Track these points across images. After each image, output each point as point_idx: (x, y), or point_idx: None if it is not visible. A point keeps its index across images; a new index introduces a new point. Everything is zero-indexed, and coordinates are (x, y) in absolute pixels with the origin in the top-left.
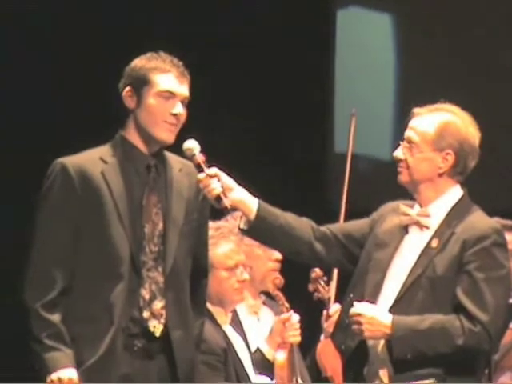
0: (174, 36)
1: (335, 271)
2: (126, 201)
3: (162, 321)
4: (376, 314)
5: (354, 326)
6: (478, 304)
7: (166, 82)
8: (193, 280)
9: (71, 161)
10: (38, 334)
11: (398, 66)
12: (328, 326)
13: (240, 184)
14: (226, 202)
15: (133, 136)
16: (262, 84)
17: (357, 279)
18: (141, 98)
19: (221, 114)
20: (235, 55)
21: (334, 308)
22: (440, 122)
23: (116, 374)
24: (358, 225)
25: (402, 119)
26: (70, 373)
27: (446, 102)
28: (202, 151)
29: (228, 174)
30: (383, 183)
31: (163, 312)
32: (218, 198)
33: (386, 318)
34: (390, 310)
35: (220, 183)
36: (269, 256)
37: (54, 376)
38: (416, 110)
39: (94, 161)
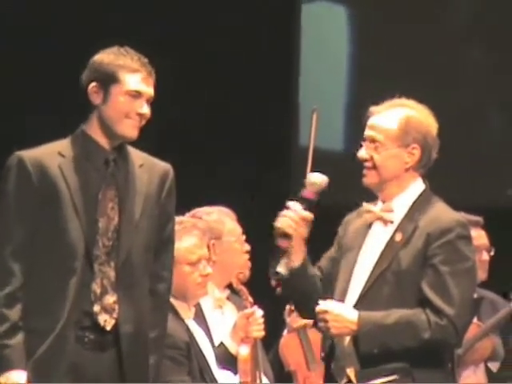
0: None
1: None
2: (83, 195)
3: (114, 315)
4: (342, 311)
5: (321, 324)
6: (444, 297)
7: (135, 82)
8: (154, 277)
9: (28, 154)
10: None
11: (353, 59)
12: (291, 320)
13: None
14: (287, 244)
15: (94, 131)
16: (227, 78)
17: (327, 287)
18: (108, 94)
19: (193, 110)
20: (201, 52)
21: None
22: (401, 118)
23: (65, 363)
24: (327, 257)
25: (353, 113)
26: (18, 377)
27: (401, 96)
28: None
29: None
30: (338, 176)
31: (115, 306)
32: (289, 236)
33: (352, 315)
34: (356, 306)
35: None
36: (243, 249)
37: (2, 378)
38: (373, 108)
39: (52, 155)
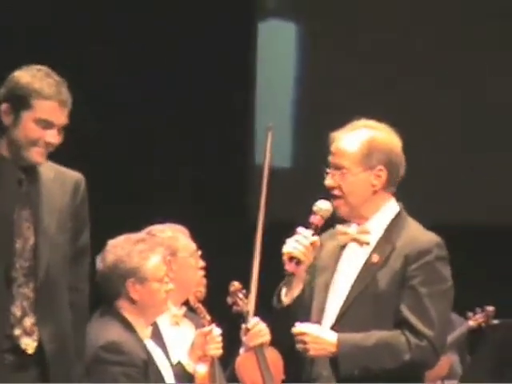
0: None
1: (254, 284)
2: None
3: (35, 337)
4: (320, 333)
5: (299, 345)
6: (423, 319)
7: (47, 111)
8: (71, 290)
9: None
10: None
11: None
12: (247, 339)
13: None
14: (296, 269)
15: (4, 149)
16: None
17: (302, 311)
18: (18, 118)
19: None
20: (159, 65)
21: (253, 321)
22: (363, 140)
23: None
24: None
25: (300, 129)
26: None
27: (360, 117)
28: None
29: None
30: (288, 191)
31: (34, 329)
32: (298, 262)
33: (331, 336)
34: (333, 328)
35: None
36: (198, 265)
37: None
38: (334, 134)
39: None
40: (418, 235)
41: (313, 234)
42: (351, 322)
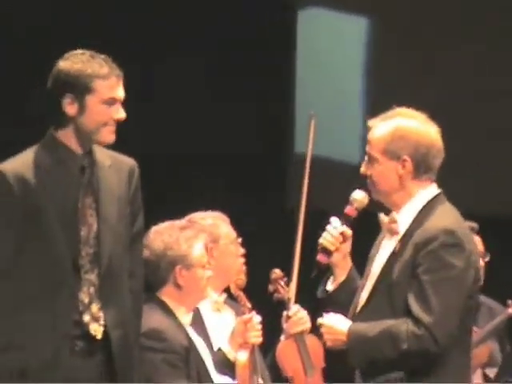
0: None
1: (295, 272)
2: (63, 206)
3: (102, 322)
4: (334, 323)
5: (323, 337)
6: (423, 306)
7: (109, 89)
8: (129, 274)
9: (8, 168)
10: None
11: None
12: (288, 326)
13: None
14: (326, 259)
15: (67, 138)
16: (223, 84)
17: (350, 299)
18: (83, 105)
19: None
20: (196, 55)
21: (294, 309)
22: (389, 130)
23: (59, 374)
24: None
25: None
26: None
27: (400, 106)
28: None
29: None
30: (347, 186)
31: (100, 314)
32: (329, 252)
33: (344, 326)
34: (358, 317)
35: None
36: (238, 252)
37: None
38: (370, 122)
39: (29, 166)
40: (430, 223)
41: (344, 224)
42: (370, 312)
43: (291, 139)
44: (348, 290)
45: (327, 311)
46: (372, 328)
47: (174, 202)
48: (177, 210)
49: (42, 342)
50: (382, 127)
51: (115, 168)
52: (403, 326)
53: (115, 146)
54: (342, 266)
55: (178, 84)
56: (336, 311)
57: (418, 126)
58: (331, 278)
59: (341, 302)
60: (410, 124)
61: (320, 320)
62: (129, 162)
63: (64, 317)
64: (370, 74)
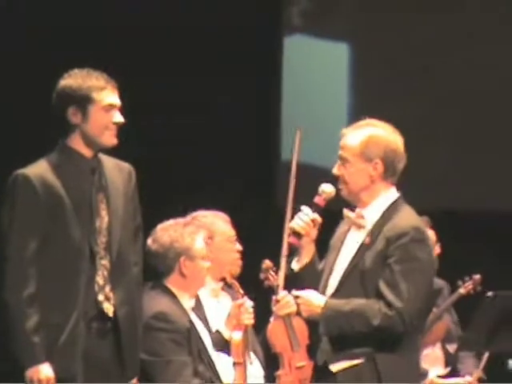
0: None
1: (283, 262)
2: (80, 202)
3: (112, 302)
4: (311, 297)
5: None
6: (394, 292)
7: (107, 97)
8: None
9: (31, 172)
10: (17, 327)
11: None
12: (276, 309)
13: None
14: (297, 242)
15: (77, 144)
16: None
17: (312, 280)
18: (86, 114)
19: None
20: (186, 78)
21: (282, 294)
22: (364, 137)
23: (79, 351)
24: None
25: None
26: (46, 370)
27: (373, 117)
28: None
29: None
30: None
31: (111, 294)
32: (299, 235)
33: (320, 300)
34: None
35: (313, 229)
36: (234, 248)
37: (32, 371)
38: (343, 130)
39: (49, 169)
40: (400, 220)
41: (314, 212)
42: (344, 295)
43: (279, 148)
44: (311, 271)
45: (296, 288)
46: (346, 303)
47: (176, 202)
48: (177, 210)
49: (64, 321)
50: (356, 134)
51: (117, 169)
52: (375, 305)
53: (117, 150)
54: (308, 249)
55: (170, 112)
56: (299, 288)
57: (387, 135)
58: (295, 258)
59: (304, 280)
60: (380, 132)
61: (296, 292)
62: (126, 165)
63: (85, 297)
64: (351, 93)
